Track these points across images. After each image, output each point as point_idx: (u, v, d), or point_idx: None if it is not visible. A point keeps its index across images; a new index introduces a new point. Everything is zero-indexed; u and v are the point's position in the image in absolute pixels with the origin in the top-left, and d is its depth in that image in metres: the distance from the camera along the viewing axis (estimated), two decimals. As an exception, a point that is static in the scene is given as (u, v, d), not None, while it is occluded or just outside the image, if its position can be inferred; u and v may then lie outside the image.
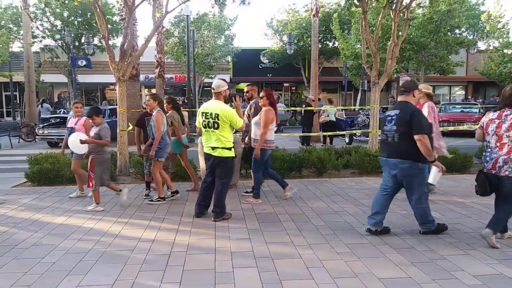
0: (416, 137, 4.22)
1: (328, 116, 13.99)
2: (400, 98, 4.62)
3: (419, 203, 4.47)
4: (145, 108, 6.97)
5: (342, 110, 17.33)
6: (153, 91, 24.32)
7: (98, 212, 5.57)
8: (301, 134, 13.92)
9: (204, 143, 5.18)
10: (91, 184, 5.63)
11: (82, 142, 5.72)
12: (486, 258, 3.88)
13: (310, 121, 13.82)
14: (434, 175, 4.47)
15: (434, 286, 3.33)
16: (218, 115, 4.96)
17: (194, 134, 13.72)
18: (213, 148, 5.06)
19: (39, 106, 20.80)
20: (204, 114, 5.07)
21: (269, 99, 5.96)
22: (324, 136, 14.16)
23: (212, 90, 5.15)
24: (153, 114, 5.95)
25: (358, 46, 19.01)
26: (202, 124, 5.10)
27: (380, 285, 3.36)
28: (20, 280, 3.51)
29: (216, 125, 4.98)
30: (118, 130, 7.95)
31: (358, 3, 9.27)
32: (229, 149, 5.09)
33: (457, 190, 6.73)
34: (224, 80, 5.30)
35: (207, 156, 5.18)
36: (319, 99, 15.61)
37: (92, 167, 5.60)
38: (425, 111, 5.77)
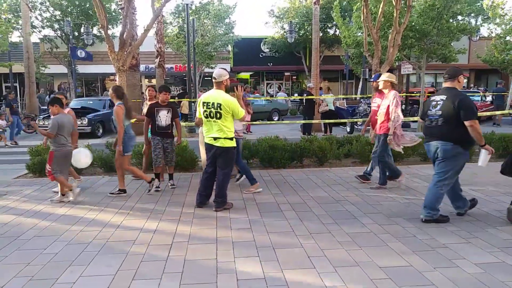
0: (467, 123, 4.27)
1: (327, 105, 13.95)
2: (445, 84, 4.66)
3: (439, 186, 4.52)
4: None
5: (343, 99, 17.24)
6: (154, 81, 24.28)
7: (100, 203, 5.57)
8: (301, 122, 13.90)
9: (205, 133, 5.14)
10: (50, 177, 5.58)
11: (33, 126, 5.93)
12: (487, 246, 3.88)
13: (311, 110, 13.78)
14: (483, 157, 4.52)
15: (435, 274, 3.34)
16: (220, 104, 4.92)
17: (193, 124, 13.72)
18: (215, 139, 5.02)
19: (47, 97, 20.76)
20: (205, 104, 5.02)
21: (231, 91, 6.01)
22: (325, 126, 14.13)
23: (214, 80, 5.10)
24: (114, 107, 5.81)
25: (359, 34, 18.84)
26: (204, 114, 5.05)
27: (381, 273, 3.36)
28: (23, 271, 3.53)
29: (218, 114, 4.94)
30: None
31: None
32: (231, 139, 5.07)
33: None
34: (224, 69, 5.27)
35: (209, 147, 5.15)
36: (320, 88, 15.54)
37: (50, 160, 5.50)
38: (391, 100, 5.79)
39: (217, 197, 5.14)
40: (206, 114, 5.02)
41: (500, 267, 3.46)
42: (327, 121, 13.74)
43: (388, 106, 5.84)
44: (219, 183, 5.13)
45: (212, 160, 5.17)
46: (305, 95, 14.04)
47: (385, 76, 6.03)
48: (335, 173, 7.29)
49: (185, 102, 16.20)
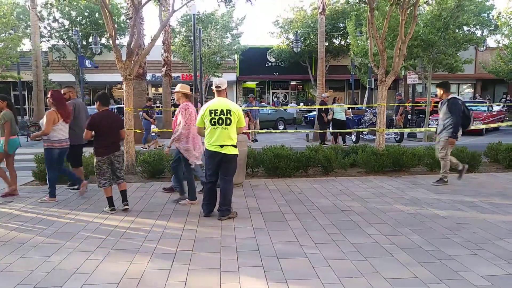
0: None
1: (332, 114, 13.90)
2: None
3: None
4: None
5: (349, 108, 17.25)
6: (160, 90, 24.44)
7: (104, 211, 5.59)
8: (306, 131, 13.89)
9: (210, 141, 5.09)
10: None
11: None
12: (494, 258, 3.83)
13: (324, 119, 13.76)
14: None
15: (441, 286, 3.29)
16: (230, 111, 5.01)
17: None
18: (221, 146, 5.03)
19: None
20: (213, 111, 5.04)
21: (54, 100, 6.13)
22: (335, 135, 14.12)
23: (217, 89, 5.17)
24: None
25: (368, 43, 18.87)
26: (211, 122, 5.04)
27: (386, 284, 3.33)
28: (27, 278, 3.53)
29: (228, 121, 5.01)
30: (125, 129, 7.96)
31: (365, 0, 9.19)
32: (235, 146, 5.15)
33: (466, 189, 6.67)
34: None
35: (213, 154, 5.10)
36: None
37: None
38: (179, 112, 5.73)
39: (221, 206, 5.13)
40: (214, 122, 5.03)
41: (507, 279, 3.41)
42: (331, 130, 13.74)
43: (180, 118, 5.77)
44: (224, 191, 5.13)
45: (215, 168, 5.17)
46: (318, 104, 14.05)
47: (177, 87, 5.92)
48: (340, 182, 7.26)
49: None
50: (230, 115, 5.00)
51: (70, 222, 5.12)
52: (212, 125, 5.05)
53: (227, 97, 5.29)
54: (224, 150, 5.04)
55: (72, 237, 4.56)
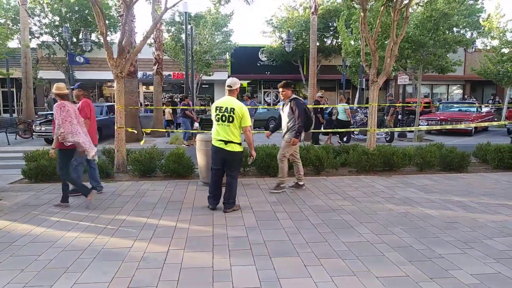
0: None
1: (336, 114, 13.99)
2: None
3: None
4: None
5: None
6: (151, 88, 24.25)
7: (96, 209, 5.54)
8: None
9: (216, 137, 5.34)
10: None
11: None
12: (484, 257, 3.89)
13: (317, 119, 13.79)
14: None
15: (431, 284, 3.33)
16: (234, 109, 5.22)
17: (195, 131, 13.70)
18: (226, 143, 5.26)
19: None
20: (218, 108, 5.31)
21: None
22: (341, 135, 14.23)
23: (228, 88, 5.39)
24: None
25: (358, 43, 18.95)
26: (215, 118, 5.32)
27: (378, 283, 3.36)
28: (17, 277, 3.49)
29: (231, 118, 5.23)
30: (115, 127, 7.91)
31: (357, 0, 9.22)
32: (240, 144, 5.35)
33: (455, 189, 6.74)
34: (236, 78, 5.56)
35: (217, 149, 5.35)
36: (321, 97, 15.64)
37: None
38: (56, 112, 5.45)
39: (227, 199, 5.41)
40: (218, 118, 5.30)
41: (496, 278, 3.47)
42: (326, 130, 13.79)
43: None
44: (229, 187, 5.39)
45: (220, 162, 5.41)
46: (313, 104, 14.08)
47: (53, 87, 5.72)
48: (331, 182, 7.30)
49: (168, 109, 16.27)
50: (233, 113, 5.22)
51: (60, 221, 5.06)
52: (216, 121, 5.34)
53: (237, 97, 5.47)
54: (228, 147, 5.28)
55: (62, 236, 4.52)
